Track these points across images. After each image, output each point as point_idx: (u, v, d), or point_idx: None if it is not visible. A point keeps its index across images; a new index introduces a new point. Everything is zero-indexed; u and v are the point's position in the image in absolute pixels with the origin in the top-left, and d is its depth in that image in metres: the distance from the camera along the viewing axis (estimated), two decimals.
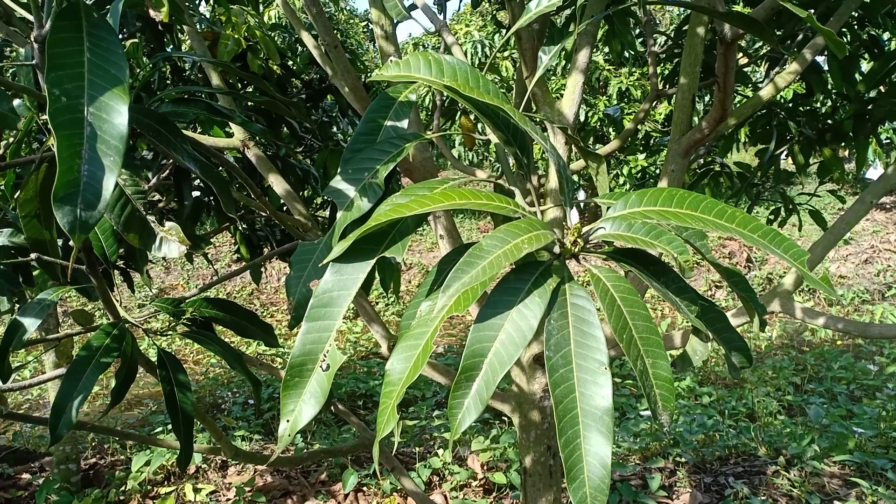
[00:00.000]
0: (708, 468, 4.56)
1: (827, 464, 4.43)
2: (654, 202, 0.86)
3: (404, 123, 1.03)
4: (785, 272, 10.83)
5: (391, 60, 0.98)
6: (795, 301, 1.96)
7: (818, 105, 3.35)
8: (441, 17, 3.11)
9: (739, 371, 0.97)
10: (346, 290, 0.86)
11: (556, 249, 0.89)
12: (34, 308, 1.48)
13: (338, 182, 0.96)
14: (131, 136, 1.62)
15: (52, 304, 1.53)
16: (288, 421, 0.81)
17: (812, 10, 2.67)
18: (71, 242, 0.74)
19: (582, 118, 11.66)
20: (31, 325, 1.48)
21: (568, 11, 3.27)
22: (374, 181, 0.96)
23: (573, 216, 0.91)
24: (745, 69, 3.14)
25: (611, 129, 11.39)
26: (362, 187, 0.95)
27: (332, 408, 2.44)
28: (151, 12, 1.09)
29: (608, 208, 0.90)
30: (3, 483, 4.36)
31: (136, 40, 2.10)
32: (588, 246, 0.88)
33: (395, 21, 1.88)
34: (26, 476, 4.53)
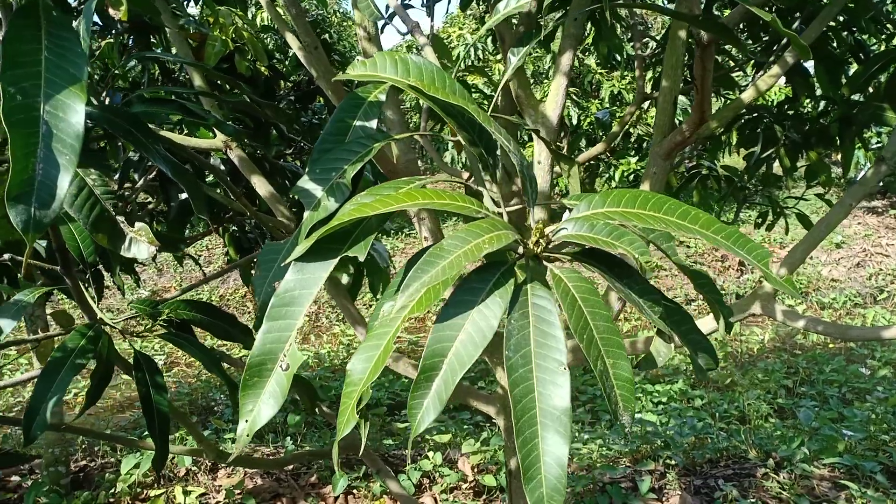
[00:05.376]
0: (698, 471, 4.56)
1: (816, 466, 4.43)
2: (618, 203, 0.86)
3: (373, 123, 1.03)
4: None
5: (357, 59, 0.98)
6: (784, 305, 1.96)
7: (807, 108, 3.36)
8: (429, 19, 3.11)
9: (706, 372, 0.97)
10: (308, 290, 0.85)
11: (521, 250, 0.89)
12: (10, 309, 1.48)
13: (305, 182, 0.96)
14: (104, 136, 1.63)
15: (29, 305, 1.52)
16: (247, 421, 0.81)
17: (797, 14, 2.69)
18: (40, 241, 0.74)
19: (574, 121, 11.66)
20: (6, 325, 1.47)
21: (558, 14, 3.27)
22: (342, 181, 0.96)
23: (536, 215, 0.91)
24: (734, 73, 3.15)
25: (601, 133, 11.38)
26: (330, 187, 0.95)
27: (317, 410, 2.43)
28: (111, 11, 1.09)
29: (572, 209, 0.90)
30: None
31: (112, 40, 2.08)
32: (551, 246, 0.88)
33: (375, 22, 1.88)
34: (15, 478, 4.50)
